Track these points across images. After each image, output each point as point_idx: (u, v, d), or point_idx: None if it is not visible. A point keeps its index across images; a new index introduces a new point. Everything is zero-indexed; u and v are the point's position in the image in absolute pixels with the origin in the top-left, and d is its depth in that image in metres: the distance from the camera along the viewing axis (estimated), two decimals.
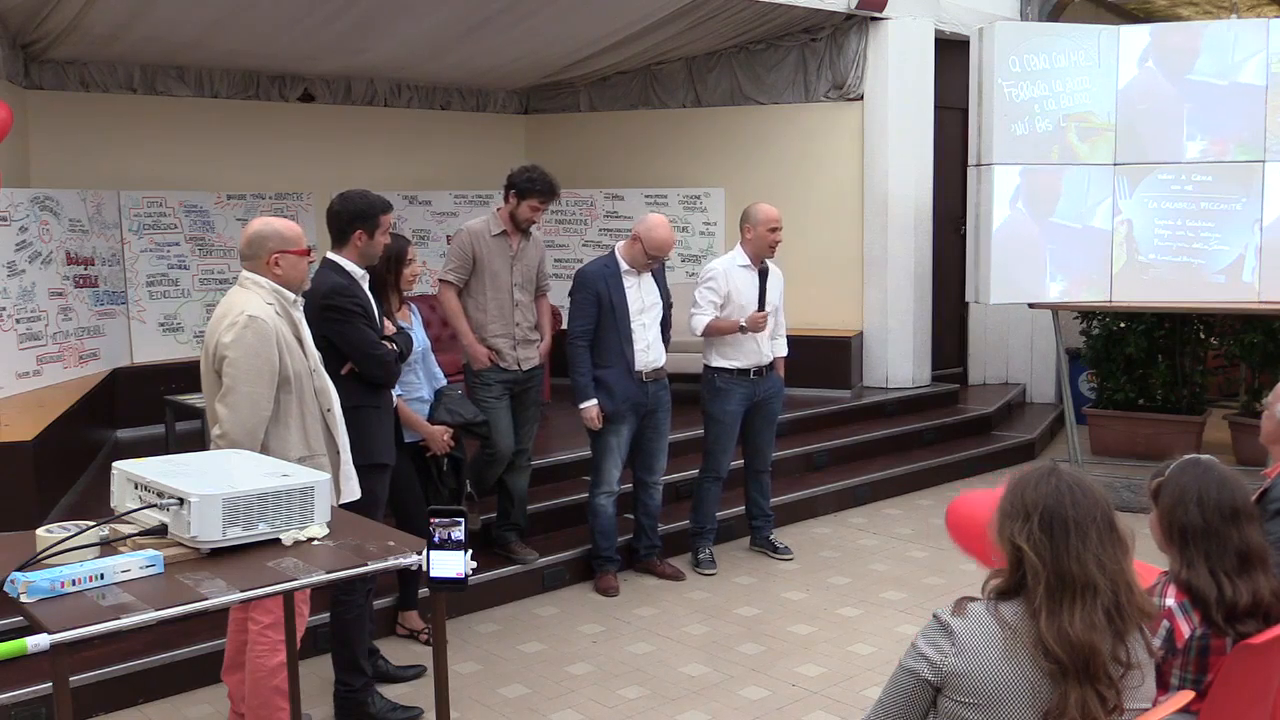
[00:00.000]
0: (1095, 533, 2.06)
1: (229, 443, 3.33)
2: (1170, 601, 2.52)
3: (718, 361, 5.64)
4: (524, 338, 5.26)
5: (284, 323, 3.47)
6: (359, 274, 4.04)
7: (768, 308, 5.57)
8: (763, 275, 5.58)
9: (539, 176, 5.16)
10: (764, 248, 5.60)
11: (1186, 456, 2.70)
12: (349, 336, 3.95)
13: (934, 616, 2.10)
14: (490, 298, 5.19)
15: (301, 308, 3.59)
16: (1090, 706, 1.99)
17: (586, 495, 5.50)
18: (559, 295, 6.29)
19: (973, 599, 2.12)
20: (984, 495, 3.06)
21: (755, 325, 5.51)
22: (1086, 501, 2.09)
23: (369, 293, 4.09)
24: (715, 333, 5.58)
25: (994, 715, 2.02)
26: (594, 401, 5.22)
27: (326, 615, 4.45)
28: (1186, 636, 2.49)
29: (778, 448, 6.15)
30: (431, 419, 4.59)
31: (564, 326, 5.45)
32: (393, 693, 4.24)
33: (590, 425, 5.27)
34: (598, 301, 5.20)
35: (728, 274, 5.60)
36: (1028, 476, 2.16)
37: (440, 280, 5.28)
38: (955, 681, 2.04)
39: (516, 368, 5.24)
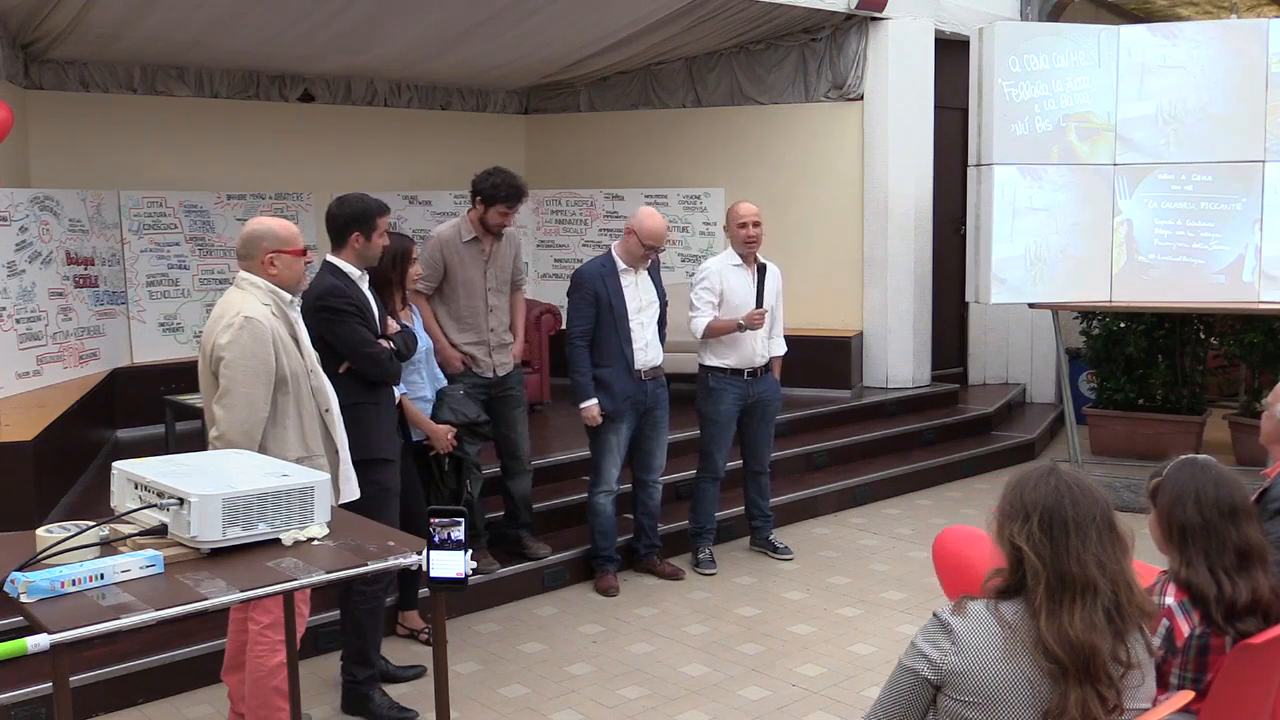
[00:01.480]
0: (1095, 533, 2.07)
1: (226, 444, 3.33)
2: (1170, 600, 2.53)
3: (711, 360, 5.64)
4: (499, 342, 5.21)
5: (280, 323, 3.47)
6: (356, 275, 4.05)
7: (764, 305, 5.57)
8: (761, 271, 5.59)
9: (503, 182, 5.03)
10: (739, 244, 5.61)
11: (1183, 456, 2.70)
12: (343, 335, 3.96)
13: (934, 615, 2.10)
14: (464, 305, 5.12)
15: (298, 308, 3.59)
16: (1090, 706, 1.99)
17: (586, 495, 5.50)
18: (558, 295, 6.28)
19: (973, 598, 2.12)
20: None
21: (753, 323, 5.51)
22: (1086, 501, 2.09)
23: (369, 292, 4.10)
24: (715, 333, 5.58)
25: (994, 714, 2.02)
26: (594, 401, 5.22)
27: (326, 615, 4.46)
28: (1186, 635, 2.49)
29: (778, 448, 6.15)
30: (434, 418, 4.59)
31: (563, 326, 5.41)
32: (393, 693, 4.24)
33: (591, 424, 5.27)
34: (596, 301, 5.20)
35: (721, 273, 5.61)
36: (1027, 476, 2.17)
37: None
38: (955, 680, 2.04)
39: (492, 374, 5.20)
